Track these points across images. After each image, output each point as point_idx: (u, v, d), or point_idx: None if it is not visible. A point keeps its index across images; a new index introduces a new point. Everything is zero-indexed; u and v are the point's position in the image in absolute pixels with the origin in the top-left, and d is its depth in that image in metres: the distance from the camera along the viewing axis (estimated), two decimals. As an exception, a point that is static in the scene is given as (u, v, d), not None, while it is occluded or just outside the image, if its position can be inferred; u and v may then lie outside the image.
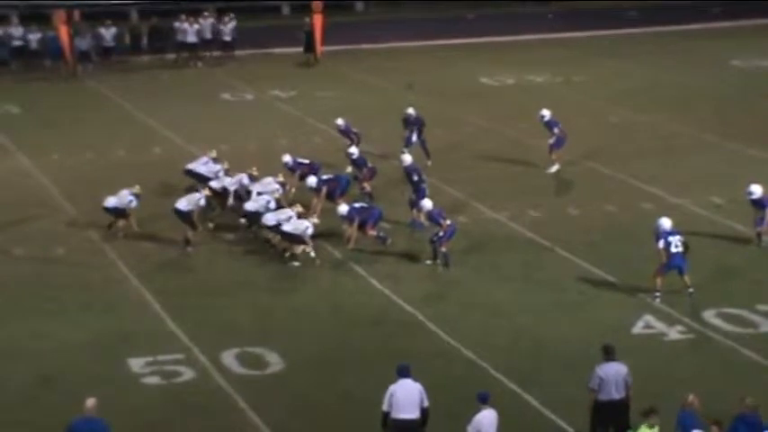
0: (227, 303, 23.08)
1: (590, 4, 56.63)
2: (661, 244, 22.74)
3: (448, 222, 24.90)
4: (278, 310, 22.80)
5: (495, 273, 24.44)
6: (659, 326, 21.83)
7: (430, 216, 25.09)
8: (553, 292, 23.43)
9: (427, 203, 25.35)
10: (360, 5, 57.40)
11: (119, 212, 26.39)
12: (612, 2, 56.47)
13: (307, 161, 28.40)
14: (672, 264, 22.76)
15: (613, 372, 17.38)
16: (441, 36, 49.56)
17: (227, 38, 45.51)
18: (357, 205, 25.90)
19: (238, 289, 23.81)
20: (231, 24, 45.52)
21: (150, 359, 20.58)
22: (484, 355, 20.62)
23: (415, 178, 27.29)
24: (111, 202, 26.42)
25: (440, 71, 42.91)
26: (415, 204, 26.35)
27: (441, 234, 24.61)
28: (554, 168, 30.39)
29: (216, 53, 45.54)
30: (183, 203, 25.96)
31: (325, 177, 27.57)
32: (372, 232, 25.52)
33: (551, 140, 30.56)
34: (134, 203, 26.26)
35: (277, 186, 26.79)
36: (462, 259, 24.96)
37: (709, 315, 22.20)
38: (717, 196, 28.44)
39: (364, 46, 48.02)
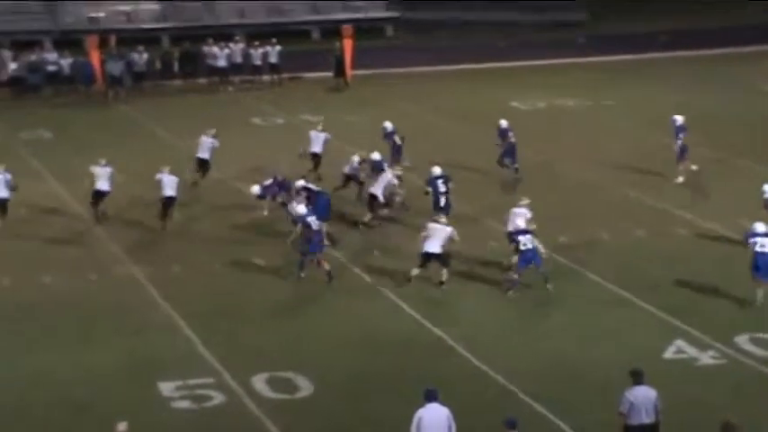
0: (256, 327, 23.16)
1: (621, 29, 56.71)
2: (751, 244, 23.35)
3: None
4: (307, 334, 22.85)
5: (526, 296, 24.40)
6: (691, 351, 21.73)
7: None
8: (584, 317, 23.37)
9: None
10: (390, 30, 57.68)
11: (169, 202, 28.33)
12: (643, 26, 56.56)
13: (269, 181, 28.83)
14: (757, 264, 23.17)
15: (642, 396, 17.32)
16: (471, 60, 49.68)
17: (274, 60, 45.90)
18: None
19: (268, 313, 23.89)
20: (277, 48, 45.98)
21: (180, 383, 20.65)
22: (513, 379, 20.58)
23: (442, 188, 27.82)
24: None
25: (470, 95, 43.00)
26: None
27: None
28: (680, 179, 31.17)
29: (265, 77, 46.06)
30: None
31: (266, 184, 28.48)
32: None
33: (677, 145, 31.58)
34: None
35: None
36: (492, 283, 24.94)
37: (742, 340, 22.07)
38: (749, 220, 28.25)
39: (394, 70, 48.19)
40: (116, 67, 44.23)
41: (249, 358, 21.65)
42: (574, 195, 30.59)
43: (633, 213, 29.53)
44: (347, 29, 46.69)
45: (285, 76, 46.48)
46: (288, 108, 41.49)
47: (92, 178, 29.36)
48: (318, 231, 25.28)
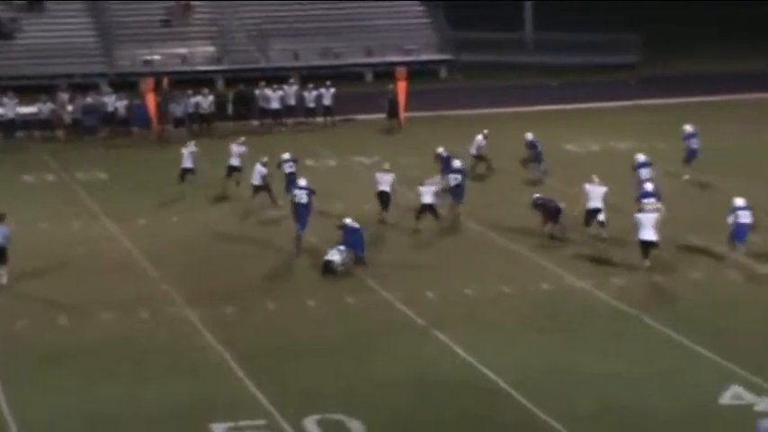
0: (308, 368, 23.14)
1: (676, 70, 56.54)
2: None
3: None
4: (359, 375, 22.80)
5: (580, 340, 24.23)
6: (748, 396, 21.44)
7: None
8: (638, 362, 23.14)
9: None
10: (443, 72, 57.86)
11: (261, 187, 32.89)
12: (705, 67, 56.40)
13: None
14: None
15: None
16: (524, 103, 49.68)
17: (327, 102, 46.21)
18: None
19: (320, 353, 23.87)
20: (331, 90, 46.28)
21: (232, 425, 20.65)
22: (568, 425, 20.39)
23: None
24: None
25: (523, 138, 42.88)
26: None
27: None
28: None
29: (319, 119, 46.44)
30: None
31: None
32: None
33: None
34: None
35: None
36: (546, 326, 24.81)
37: (800, 386, 21.79)
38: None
39: (447, 113, 48.27)
40: (178, 109, 44.66)
41: (301, 400, 21.62)
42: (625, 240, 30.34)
43: (689, 256, 29.28)
44: (401, 71, 46.87)
45: (338, 118, 46.71)
46: (341, 150, 41.66)
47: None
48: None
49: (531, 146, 37.42)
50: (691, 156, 36.53)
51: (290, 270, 28.90)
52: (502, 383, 22.16)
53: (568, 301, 26.38)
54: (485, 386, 22.19)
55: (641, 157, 34.00)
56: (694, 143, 36.58)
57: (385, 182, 32.48)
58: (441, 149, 35.76)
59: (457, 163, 33.52)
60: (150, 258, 29.83)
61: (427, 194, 31.59)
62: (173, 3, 57.74)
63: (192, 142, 37.07)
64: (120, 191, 36.92)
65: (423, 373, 22.78)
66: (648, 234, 27.98)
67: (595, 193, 29.98)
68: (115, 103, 45.43)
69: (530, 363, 23.27)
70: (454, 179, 32.94)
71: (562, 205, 30.48)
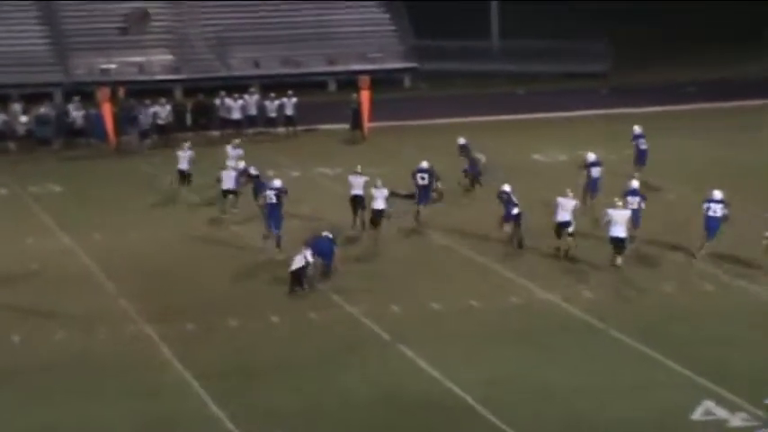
0: (271, 386, 23.17)
1: (646, 79, 56.96)
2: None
3: None
4: (323, 393, 22.83)
5: (549, 355, 24.39)
6: (720, 412, 21.63)
7: None
8: (608, 376, 23.33)
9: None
10: (408, 81, 58.05)
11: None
12: (670, 77, 56.88)
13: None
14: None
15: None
16: (491, 112, 49.92)
17: (289, 112, 46.30)
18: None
19: (283, 371, 23.90)
20: (293, 100, 46.39)
21: (193, 444, 20.67)
22: (537, 442, 20.54)
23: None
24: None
25: (491, 148, 43.06)
26: None
27: None
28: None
29: (280, 129, 46.48)
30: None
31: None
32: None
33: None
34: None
35: None
36: (515, 341, 24.96)
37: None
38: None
39: (412, 122, 48.44)
40: (144, 120, 44.56)
41: (264, 419, 21.65)
42: (601, 250, 30.56)
43: (661, 269, 29.53)
44: (364, 80, 47.00)
45: (301, 128, 46.78)
46: (303, 161, 41.70)
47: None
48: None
49: (464, 150, 37.95)
50: (641, 157, 37.77)
51: (252, 285, 28.92)
52: (469, 400, 22.27)
53: (537, 315, 26.55)
54: (451, 403, 22.29)
55: (591, 156, 35.21)
56: (642, 143, 37.97)
57: (358, 185, 32.79)
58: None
59: (424, 163, 33.95)
60: (108, 273, 29.77)
61: (380, 199, 32.04)
62: (130, 10, 57.65)
63: (187, 144, 37.58)
64: (76, 204, 36.81)
65: (388, 391, 22.86)
66: (619, 231, 29.06)
67: (566, 206, 30.37)
68: (70, 113, 45.28)
69: (497, 378, 23.39)
70: (421, 178, 33.41)
71: (516, 211, 30.94)
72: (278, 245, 30.72)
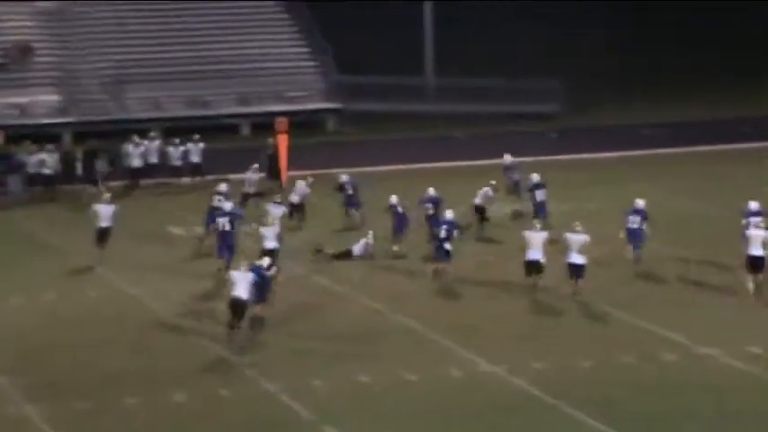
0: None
1: (599, 122, 57.73)
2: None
3: None
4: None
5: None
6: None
7: None
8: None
9: None
10: (331, 124, 58.30)
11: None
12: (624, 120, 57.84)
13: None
14: None
15: None
16: (425, 159, 50.19)
17: (196, 159, 46.31)
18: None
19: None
20: (200, 145, 46.52)
21: None
22: None
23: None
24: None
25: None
26: None
27: None
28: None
29: (185, 179, 46.71)
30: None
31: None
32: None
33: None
34: None
35: None
36: (456, 419, 24.96)
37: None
38: (755, 345, 28.54)
39: (336, 170, 48.48)
40: (32, 166, 44.55)
41: None
42: (553, 317, 30.74)
43: (619, 336, 29.71)
44: (282, 123, 47.14)
45: (209, 177, 46.68)
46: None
47: None
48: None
49: (343, 188, 40.49)
50: (515, 187, 41.70)
51: (152, 357, 28.69)
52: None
53: (480, 390, 26.57)
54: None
55: (535, 177, 39.38)
56: (517, 175, 41.88)
57: (270, 236, 33.23)
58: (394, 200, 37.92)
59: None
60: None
61: (270, 239, 32.85)
62: (9, 43, 57.43)
63: (108, 196, 37.24)
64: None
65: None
66: (576, 258, 31.60)
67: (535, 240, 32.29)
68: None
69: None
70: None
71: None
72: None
